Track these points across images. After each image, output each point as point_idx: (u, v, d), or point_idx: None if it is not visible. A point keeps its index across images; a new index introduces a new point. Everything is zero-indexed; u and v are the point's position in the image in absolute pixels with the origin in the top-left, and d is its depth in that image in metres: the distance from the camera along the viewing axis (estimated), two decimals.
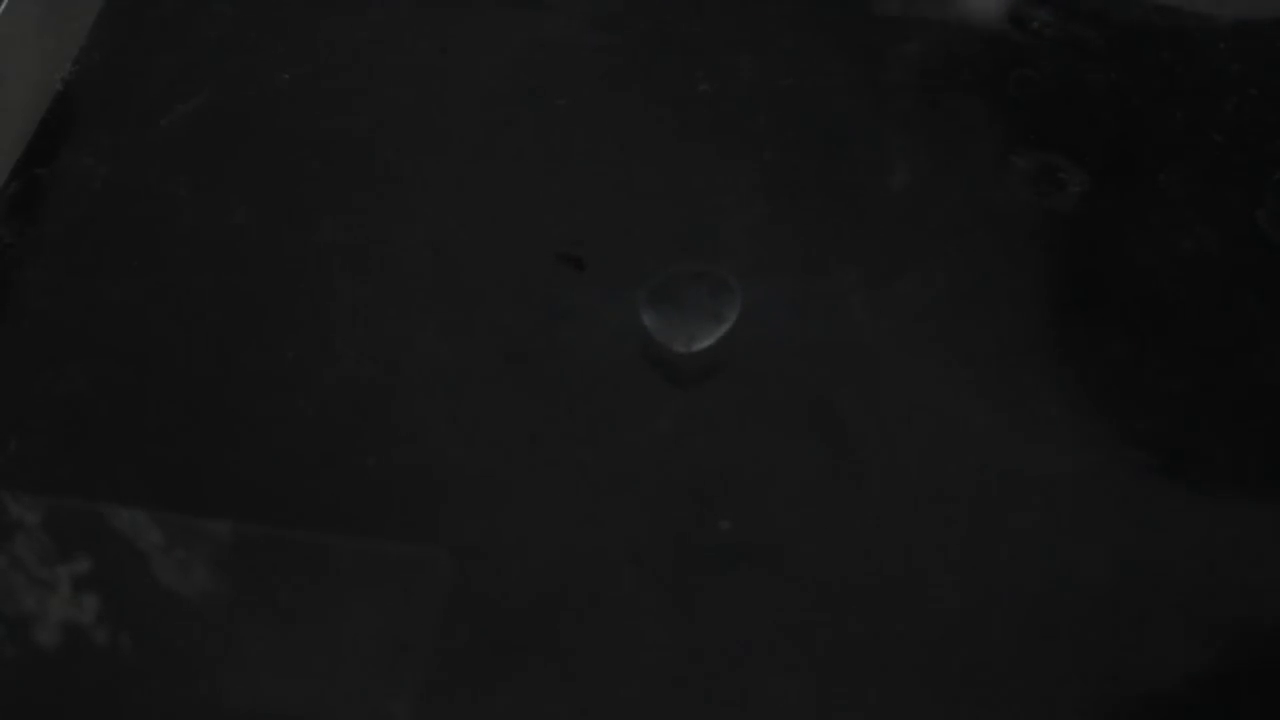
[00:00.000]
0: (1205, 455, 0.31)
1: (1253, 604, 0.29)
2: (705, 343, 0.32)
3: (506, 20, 0.38)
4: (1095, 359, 0.32)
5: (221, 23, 0.38)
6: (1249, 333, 0.32)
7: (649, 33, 0.37)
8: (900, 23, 0.37)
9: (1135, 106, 0.36)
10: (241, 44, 0.37)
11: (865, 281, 0.33)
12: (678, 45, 0.37)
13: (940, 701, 0.28)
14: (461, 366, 0.32)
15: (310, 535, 0.30)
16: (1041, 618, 0.29)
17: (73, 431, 0.31)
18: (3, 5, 0.37)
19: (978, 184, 0.34)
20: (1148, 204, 0.34)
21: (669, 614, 0.29)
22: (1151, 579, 0.29)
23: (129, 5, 0.38)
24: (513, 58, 0.37)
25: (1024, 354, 0.32)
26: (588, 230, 0.34)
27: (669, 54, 0.37)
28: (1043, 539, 0.30)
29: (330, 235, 0.34)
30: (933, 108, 0.36)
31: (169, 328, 0.33)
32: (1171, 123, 0.35)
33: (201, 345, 0.32)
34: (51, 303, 0.33)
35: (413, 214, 0.34)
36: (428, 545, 0.30)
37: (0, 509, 0.30)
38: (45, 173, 0.35)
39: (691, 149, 0.35)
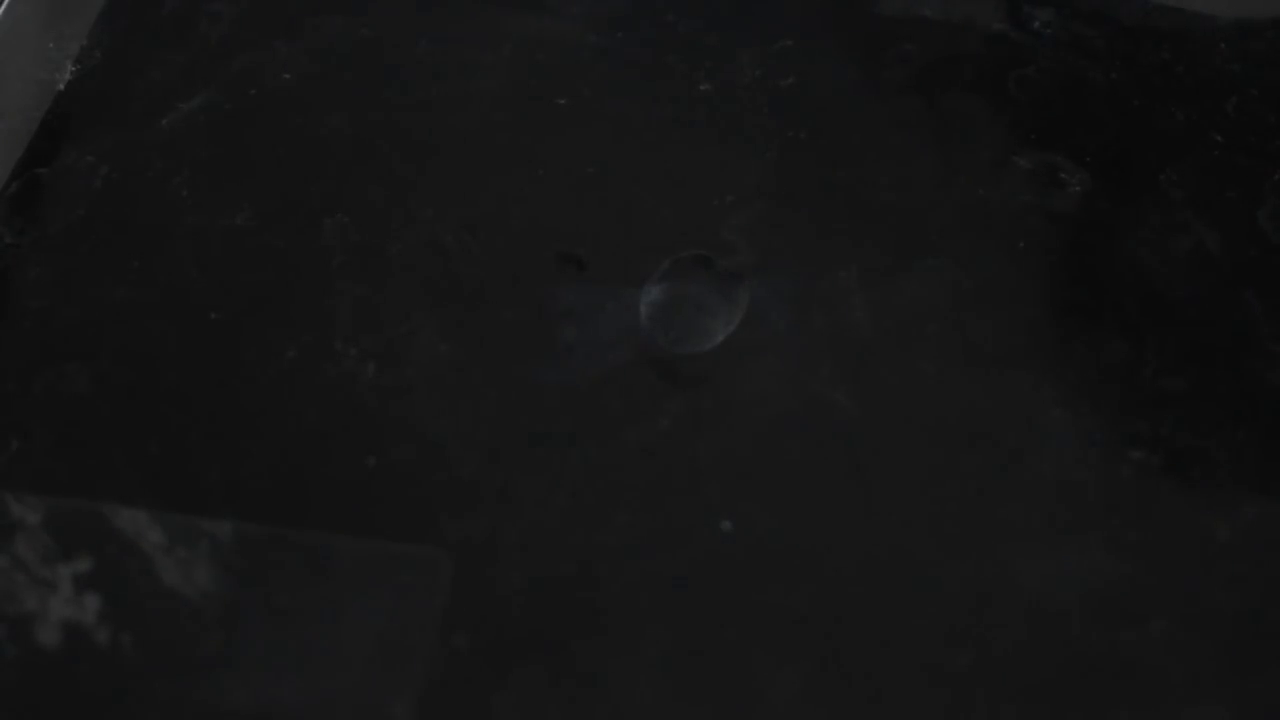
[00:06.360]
0: (1205, 455, 0.31)
1: (1253, 604, 0.29)
2: (706, 343, 0.32)
3: (506, 20, 0.38)
4: (1095, 359, 0.32)
5: (221, 23, 0.38)
6: (1249, 333, 0.32)
7: (649, 33, 0.37)
8: (900, 23, 0.37)
9: (1135, 106, 0.36)
10: (241, 44, 0.37)
11: (865, 281, 0.33)
12: (678, 45, 0.37)
13: (941, 700, 0.28)
14: (461, 366, 0.32)
15: (310, 535, 0.30)
16: (1042, 617, 0.29)
17: (73, 431, 0.31)
18: (3, 5, 0.37)
19: (978, 184, 0.34)
20: (1148, 204, 0.34)
21: (669, 614, 0.29)
22: (1151, 579, 0.29)
23: (129, 5, 0.38)
24: (513, 58, 0.37)
25: (1024, 354, 0.32)
26: (588, 230, 0.34)
27: (669, 54, 0.37)
28: (1043, 538, 0.30)
29: (330, 235, 0.34)
30: (932, 108, 0.36)
31: (169, 328, 0.33)
32: (1171, 123, 0.35)
33: (201, 345, 0.32)
34: (51, 303, 0.33)
35: (413, 214, 0.34)
36: (428, 545, 0.30)
37: (1, 509, 0.30)
38: (45, 173, 0.35)
39: (692, 149, 0.35)
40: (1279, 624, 0.29)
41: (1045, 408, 0.31)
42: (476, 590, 0.29)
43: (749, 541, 0.30)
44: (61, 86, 0.37)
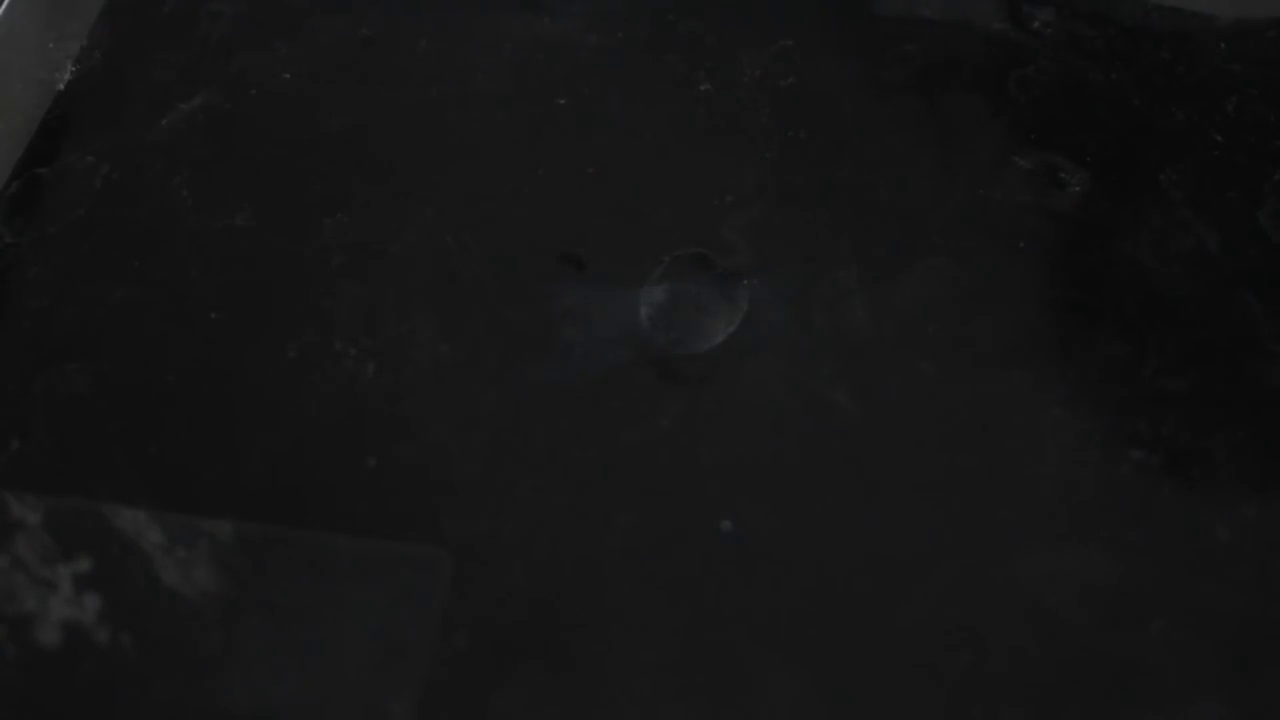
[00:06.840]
0: (1205, 455, 0.31)
1: (1253, 604, 0.29)
2: (705, 342, 0.32)
3: (506, 20, 0.38)
4: (1095, 359, 0.32)
5: (221, 23, 0.38)
6: (1249, 333, 0.32)
7: (649, 33, 0.37)
8: (900, 23, 0.37)
9: (1135, 106, 0.36)
10: (241, 44, 0.37)
11: (865, 281, 0.33)
12: (678, 45, 0.37)
13: (940, 699, 0.28)
14: (461, 366, 0.32)
15: (310, 535, 0.30)
16: (1041, 617, 0.29)
17: (73, 431, 0.31)
18: (3, 5, 0.37)
19: (978, 184, 0.34)
20: (1148, 204, 0.34)
21: (669, 614, 0.29)
22: (1151, 579, 0.29)
23: (129, 5, 0.38)
24: (513, 58, 0.37)
25: (1024, 354, 0.32)
26: (588, 230, 0.34)
27: (669, 54, 0.37)
28: (1043, 538, 0.30)
29: (331, 235, 0.34)
30: (932, 108, 0.36)
31: (169, 328, 0.33)
32: (1171, 123, 0.35)
33: (201, 345, 0.32)
34: (51, 303, 0.33)
35: (413, 214, 0.34)
36: (428, 545, 0.30)
37: (1, 509, 0.30)
38: (46, 173, 0.35)
39: (691, 149, 0.35)
40: (1279, 624, 0.29)
41: (1045, 408, 0.31)
42: (476, 590, 0.29)
43: (749, 542, 0.30)
44: (61, 86, 0.37)
